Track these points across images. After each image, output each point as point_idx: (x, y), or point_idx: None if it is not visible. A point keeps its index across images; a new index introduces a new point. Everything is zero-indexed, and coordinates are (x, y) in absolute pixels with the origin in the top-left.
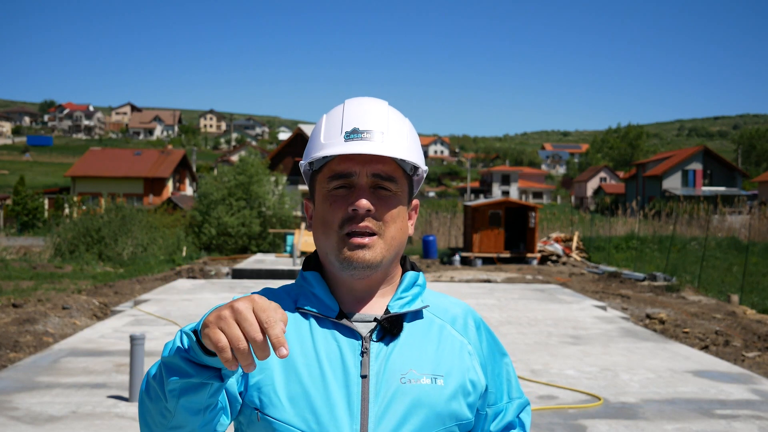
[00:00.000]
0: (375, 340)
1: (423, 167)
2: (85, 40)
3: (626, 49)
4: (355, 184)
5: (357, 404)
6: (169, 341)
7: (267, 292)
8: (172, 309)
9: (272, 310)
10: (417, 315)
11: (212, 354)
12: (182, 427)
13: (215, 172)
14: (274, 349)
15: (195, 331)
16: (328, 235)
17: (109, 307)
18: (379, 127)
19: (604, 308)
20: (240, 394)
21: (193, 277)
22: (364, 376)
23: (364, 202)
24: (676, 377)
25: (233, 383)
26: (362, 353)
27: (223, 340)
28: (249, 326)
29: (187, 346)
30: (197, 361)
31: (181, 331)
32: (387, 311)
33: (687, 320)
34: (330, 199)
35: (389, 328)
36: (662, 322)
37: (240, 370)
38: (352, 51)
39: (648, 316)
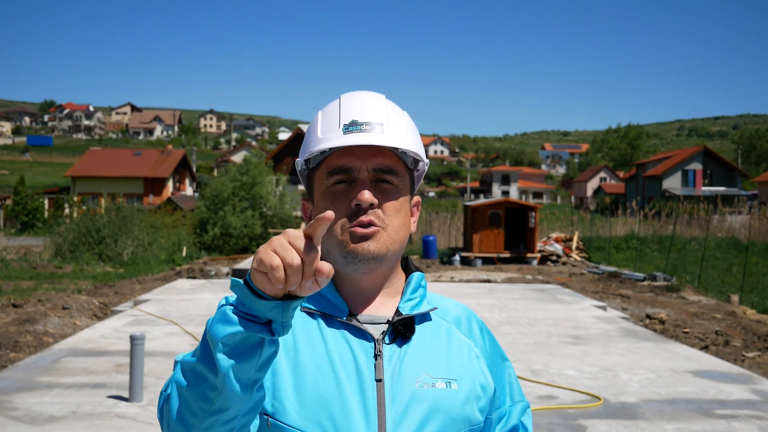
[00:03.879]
0: (387, 342)
1: (424, 160)
2: (85, 40)
3: (626, 49)
4: (356, 179)
5: (373, 409)
6: (208, 318)
7: None
8: (172, 309)
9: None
10: (425, 317)
11: (264, 298)
12: (226, 409)
13: (215, 172)
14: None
15: (245, 281)
16: (331, 232)
17: (109, 307)
18: (378, 119)
19: (604, 308)
20: None
21: (193, 277)
22: (378, 380)
23: (368, 195)
24: (676, 377)
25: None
26: (375, 356)
27: (276, 260)
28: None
29: (235, 302)
30: (248, 312)
31: (230, 287)
32: (398, 313)
33: (687, 320)
34: (331, 195)
35: (402, 330)
36: (662, 322)
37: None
38: (351, 51)
39: (648, 316)
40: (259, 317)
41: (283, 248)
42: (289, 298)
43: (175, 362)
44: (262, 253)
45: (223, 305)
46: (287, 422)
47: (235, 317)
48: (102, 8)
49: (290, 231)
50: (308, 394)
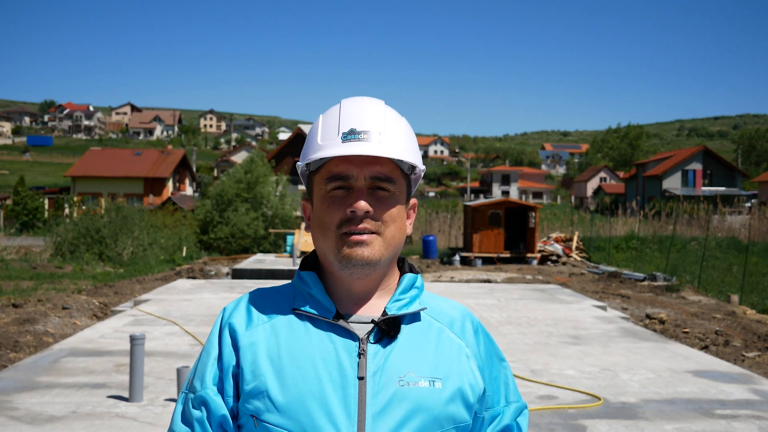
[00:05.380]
0: (372, 341)
1: (421, 167)
2: (85, 40)
3: (626, 49)
4: (353, 186)
5: (354, 406)
6: None
7: (259, 293)
8: (172, 309)
9: None
10: (415, 317)
11: None
12: None
13: (215, 172)
14: None
15: None
16: (327, 235)
17: (109, 307)
18: (377, 128)
19: (604, 308)
20: (231, 410)
21: (193, 277)
22: (361, 378)
23: (363, 204)
24: (676, 377)
25: (222, 407)
26: (359, 355)
27: None
28: None
29: None
30: None
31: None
32: (384, 313)
33: (687, 320)
34: (328, 200)
35: (387, 330)
36: (662, 322)
37: (227, 390)
38: (351, 51)
39: (648, 316)
40: None
41: None
42: None
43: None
44: None
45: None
46: (271, 421)
47: None
48: (102, 8)
49: None
50: (290, 393)
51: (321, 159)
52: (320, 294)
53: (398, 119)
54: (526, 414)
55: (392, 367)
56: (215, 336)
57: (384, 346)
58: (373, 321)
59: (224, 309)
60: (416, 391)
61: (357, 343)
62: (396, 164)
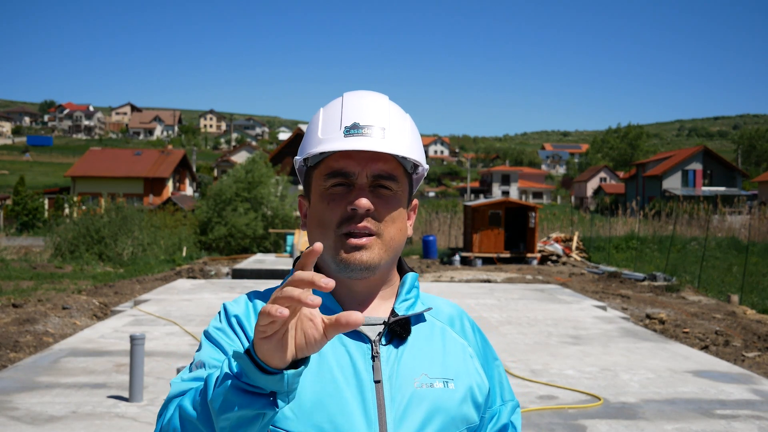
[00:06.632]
0: (384, 343)
1: (424, 165)
2: (85, 40)
3: (626, 49)
4: (354, 183)
5: (373, 410)
6: (193, 377)
7: (258, 295)
8: (172, 309)
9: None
10: (419, 317)
11: (268, 372)
12: None
13: (215, 172)
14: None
15: (248, 351)
16: (326, 235)
17: (109, 307)
18: (380, 123)
19: (604, 308)
20: None
21: (193, 277)
22: (377, 382)
23: (365, 202)
24: (676, 377)
25: None
26: (373, 357)
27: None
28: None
29: (236, 371)
30: (252, 384)
31: (227, 357)
32: (394, 313)
33: (687, 320)
34: (327, 197)
35: (399, 331)
36: (662, 322)
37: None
38: (352, 51)
39: (648, 316)
40: (263, 389)
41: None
42: (294, 366)
43: (172, 389)
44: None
45: (225, 374)
46: (288, 428)
47: (235, 398)
48: (102, 8)
49: (287, 288)
50: (307, 398)
51: (321, 154)
52: (325, 295)
53: (403, 116)
54: (519, 412)
55: (406, 369)
56: (225, 325)
57: (396, 348)
58: (385, 323)
59: (224, 306)
60: (433, 393)
61: (369, 346)
62: (399, 162)
